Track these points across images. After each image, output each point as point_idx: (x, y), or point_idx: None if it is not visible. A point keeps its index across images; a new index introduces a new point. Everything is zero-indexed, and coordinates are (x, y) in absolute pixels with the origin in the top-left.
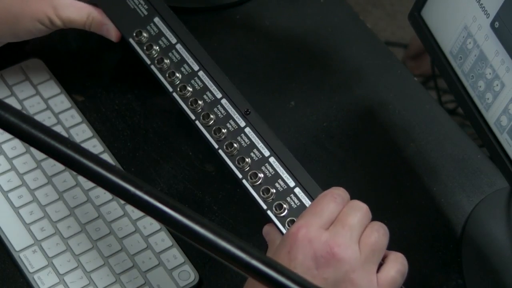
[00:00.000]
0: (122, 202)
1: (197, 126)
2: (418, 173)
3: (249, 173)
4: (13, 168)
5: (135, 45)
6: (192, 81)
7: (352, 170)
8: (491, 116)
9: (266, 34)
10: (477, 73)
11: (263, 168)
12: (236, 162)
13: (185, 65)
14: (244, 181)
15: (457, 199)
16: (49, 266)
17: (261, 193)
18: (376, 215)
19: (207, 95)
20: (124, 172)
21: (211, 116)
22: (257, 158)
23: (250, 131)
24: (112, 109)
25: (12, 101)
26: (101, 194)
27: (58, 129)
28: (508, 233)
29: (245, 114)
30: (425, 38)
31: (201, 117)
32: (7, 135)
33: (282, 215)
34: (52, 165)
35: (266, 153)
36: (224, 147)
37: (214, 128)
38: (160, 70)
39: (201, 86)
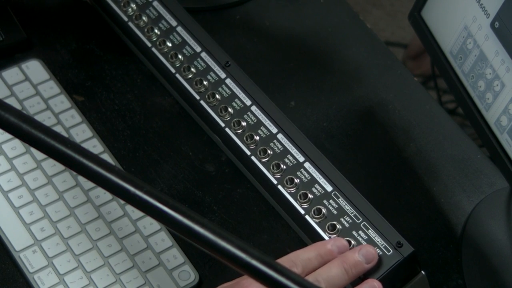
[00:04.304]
0: (122, 202)
1: (177, 79)
2: (418, 173)
3: (232, 121)
4: (13, 168)
5: (111, 2)
6: (171, 36)
7: (352, 170)
8: (491, 116)
9: (266, 34)
10: (477, 73)
11: (245, 116)
12: (218, 111)
13: (163, 21)
14: (227, 129)
15: (457, 199)
16: (49, 266)
17: (244, 139)
18: None
19: (186, 49)
20: (124, 172)
21: (192, 69)
22: (239, 108)
23: (231, 82)
24: (112, 109)
25: (12, 101)
26: (101, 194)
27: (58, 129)
28: (508, 233)
29: (225, 66)
30: (425, 38)
31: (181, 70)
32: (7, 135)
33: (264, 159)
34: (52, 165)
35: (248, 102)
36: (206, 97)
37: (195, 80)
38: (137, 26)
39: (180, 41)
